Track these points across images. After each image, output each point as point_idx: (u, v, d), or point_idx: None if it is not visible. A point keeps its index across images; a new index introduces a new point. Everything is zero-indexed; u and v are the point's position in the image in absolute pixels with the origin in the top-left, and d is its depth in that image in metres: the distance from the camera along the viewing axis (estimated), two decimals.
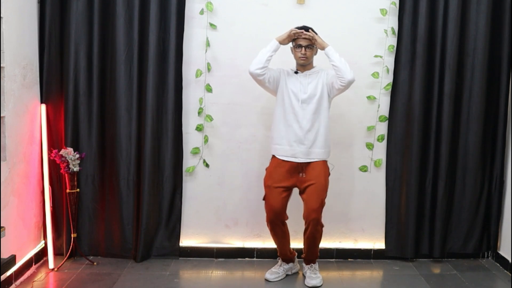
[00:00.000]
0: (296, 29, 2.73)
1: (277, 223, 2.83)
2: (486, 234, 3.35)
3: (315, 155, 2.79)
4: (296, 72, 2.82)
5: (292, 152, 2.78)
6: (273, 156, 2.86)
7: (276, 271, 2.96)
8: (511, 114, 3.28)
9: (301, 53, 2.75)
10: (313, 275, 2.92)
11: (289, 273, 3.02)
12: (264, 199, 2.87)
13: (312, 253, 2.92)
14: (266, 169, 2.90)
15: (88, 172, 3.13)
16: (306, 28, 2.74)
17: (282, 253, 2.96)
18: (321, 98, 2.77)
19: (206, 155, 3.25)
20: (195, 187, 3.27)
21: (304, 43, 2.73)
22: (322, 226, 2.82)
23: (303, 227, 2.87)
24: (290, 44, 2.82)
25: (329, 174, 2.86)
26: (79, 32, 3.03)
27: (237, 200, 3.29)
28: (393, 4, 3.15)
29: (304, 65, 2.80)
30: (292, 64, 2.89)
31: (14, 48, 2.70)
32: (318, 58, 2.85)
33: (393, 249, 3.31)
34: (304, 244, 2.93)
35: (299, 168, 2.80)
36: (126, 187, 3.16)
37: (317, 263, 2.97)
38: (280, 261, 3.00)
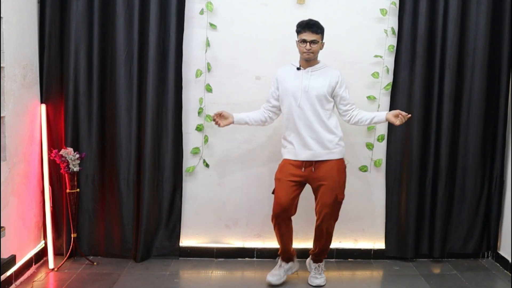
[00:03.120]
0: None
1: (282, 218, 2.78)
2: (486, 234, 3.35)
3: (327, 156, 2.75)
4: (298, 68, 2.77)
5: (303, 155, 2.75)
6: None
7: (277, 273, 2.91)
8: (511, 114, 3.28)
9: (306, 48, 2.68)
10: (318, 275, 2.91)
11: (289, 272, 2.99)
12: (273, 192, 2.84)
13: (323, 250, 2.89)
14: (279, 165, 2.88)
15: (88, 172, 3.13)
16: (311, 23, 2.68)
17: (285, 250, 2.91)
18: (325, 97, 2.73)
19: (206, 155, 3.25)
20: (195, 187, 3.27)
21: (309, 38, 2.67)
22: (335, 220, 2.81)
23: (307, 227, 2.86)
24: (295, 37, 2.76)
25: (344, 167, 2.82)
26: (79, 32, 3.03)
27: (237, 200, 3.29)
28: (393, 4, 3.15)
29: (308, 60, 2.74)
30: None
31: (14, 48, 2.70)
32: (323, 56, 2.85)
33: (393, 249, 3.31)
34: (314, 240, 2.89)
35: (310, 163, 2.76)
36: (126, 187, 3.16)
37: (323, 262, 2.96)
38: (280, 262, 2.98)
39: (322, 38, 2.74)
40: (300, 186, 2.81)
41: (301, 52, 2.72)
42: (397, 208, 3.28)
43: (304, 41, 2.68)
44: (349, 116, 2.81)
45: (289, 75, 2.78)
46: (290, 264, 2.98)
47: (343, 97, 2.78)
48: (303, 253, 3.21)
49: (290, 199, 2.76)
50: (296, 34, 2.75)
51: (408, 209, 3.24)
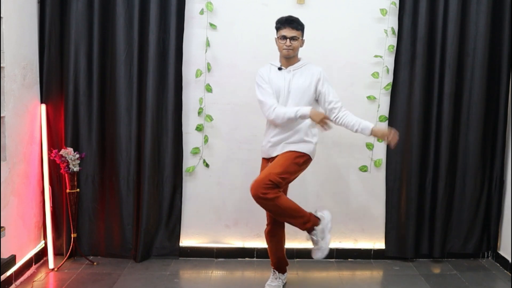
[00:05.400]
0: (328, 122, 2.51)
1: (279, 223, 2.69)
2: (486, 234, 3.35)
3: (289, 148, 2.61)
4: (280, 69, 2.66)
5: (271, 151, 2.67)
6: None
7: (276, 284, 2.81)
8: (511, 114, 3.28)
9: (286, 45, 2.58)
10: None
11: (285, 281, 2.89)
12: None
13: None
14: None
15: (88, 172, 3.13)
16: (291, 19, 2.61)
17: (280, 259, 2.80)
18: (310, 96, 2.61)
19: (206, 155, 3.25)
20: (195, 187, 3.27)
21: (289, 34, 2.58)
22: (264, 194, 2.45)
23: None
24: (275, 35, 2.69)
25: (297, 162, 2.58)
26: (79, 32, 3.03)
27: (237, 200, 3.29)
28: (393, 4, 3.15)
29: (288, 57, 2.63)
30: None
31: (14, 48, 2.70)
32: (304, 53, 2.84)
33: (393, 249, 3.31)
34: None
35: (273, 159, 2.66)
36: (126, 187, 3.16)
37: (316, 230, 2.62)
38: (276, 274, 2.84)
39: (302, 35, 2.66)
40: None
41: (281, 49, 2.63)
42: (397, 208, 3.28)
43: (284, 37, 2.60)
44: (335, 116, 2.61)
45: (271, 75, 2.68)
46: (285, 274, 2.89)
47: (324, 94, 2.62)
48: (305, 253, 3.21)
49: None
50: (275, 30, 2.67)
51: (408, 209, 3.24)
